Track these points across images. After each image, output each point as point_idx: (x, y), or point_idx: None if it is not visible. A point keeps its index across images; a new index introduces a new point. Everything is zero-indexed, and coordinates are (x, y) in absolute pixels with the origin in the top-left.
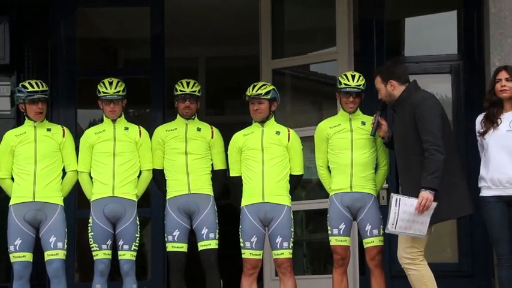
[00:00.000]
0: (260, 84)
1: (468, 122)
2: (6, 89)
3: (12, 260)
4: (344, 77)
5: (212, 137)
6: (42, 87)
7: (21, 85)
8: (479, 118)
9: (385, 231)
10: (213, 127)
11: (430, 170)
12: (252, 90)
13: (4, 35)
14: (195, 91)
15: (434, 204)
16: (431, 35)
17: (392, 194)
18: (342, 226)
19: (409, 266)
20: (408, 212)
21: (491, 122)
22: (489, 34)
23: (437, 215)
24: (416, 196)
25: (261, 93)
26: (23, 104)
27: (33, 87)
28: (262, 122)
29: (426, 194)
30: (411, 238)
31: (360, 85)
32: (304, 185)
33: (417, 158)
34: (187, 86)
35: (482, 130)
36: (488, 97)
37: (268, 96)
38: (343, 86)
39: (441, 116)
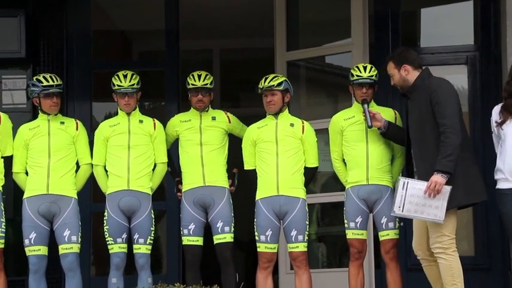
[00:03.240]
0: (272, 76)
1: (484, 112)
2: (22, 82)
3: (27, 253)
4: (356, 69)
5: (229, 122)
6: (57, 81)
7: (36, 79)
8: (496, 108)
9: (391, 214)
10: (228, 112)
11: (446, 153)
12: (264, 82)
13: (20, 28)
14: (206, 84)
15: (448, 188)
16: (448, 25)
17: (399, 178)
18: (359, 219)
19: (440, 255)
20: (417, 196)
21: (509, 112)
22: (506, 25)
23: (454, 200)
24: None
25: (274, 85)
26: (37, 98)
27: (48, 82)
28: (276, 114)
29: (436, 178)
30: (439, 226)
31: (372, 76)
32: (319, 178)
33: (434, 143)
34: (199, 79)
35: (500, 120)
36: (507, 87)
37: (281, 88)
38: (355, 77)
39: (457, 101)
